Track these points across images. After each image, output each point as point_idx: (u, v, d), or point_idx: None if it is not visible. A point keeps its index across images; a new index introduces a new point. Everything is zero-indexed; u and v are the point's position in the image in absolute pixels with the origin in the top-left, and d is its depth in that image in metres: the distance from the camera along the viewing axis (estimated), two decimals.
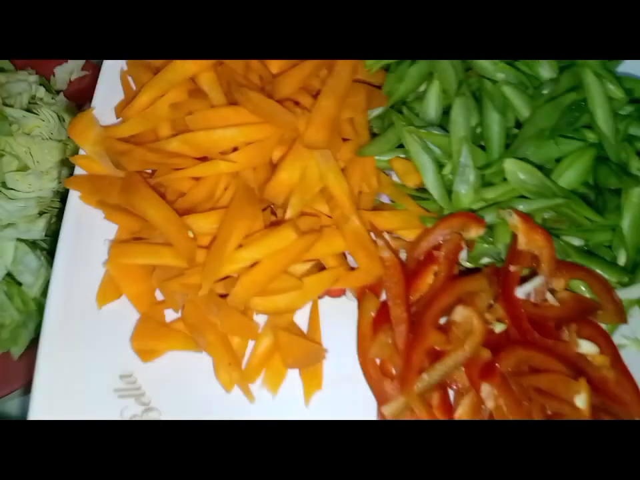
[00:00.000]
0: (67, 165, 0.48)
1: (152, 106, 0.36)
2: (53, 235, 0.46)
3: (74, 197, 0.36)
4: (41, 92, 0.51)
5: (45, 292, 0.46)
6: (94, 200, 0.36)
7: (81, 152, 0.37)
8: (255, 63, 0.38)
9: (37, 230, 0.46)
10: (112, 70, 0.40)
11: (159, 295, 0.35)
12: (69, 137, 0.49)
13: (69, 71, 0.55)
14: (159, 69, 0.37)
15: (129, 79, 0.39)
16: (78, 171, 0.37)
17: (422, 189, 0.37)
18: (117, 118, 0.39)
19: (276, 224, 0.34)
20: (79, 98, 0.53)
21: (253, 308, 0.34)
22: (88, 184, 0.36)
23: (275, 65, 0.38)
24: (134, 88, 0.39)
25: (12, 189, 0.45)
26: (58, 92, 0.53)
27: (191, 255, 0.33)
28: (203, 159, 0.35)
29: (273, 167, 0.36)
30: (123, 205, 0.35)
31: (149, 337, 0.34)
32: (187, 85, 0.37)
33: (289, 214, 0.34)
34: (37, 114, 0.49)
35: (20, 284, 0.46)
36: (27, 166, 0.46)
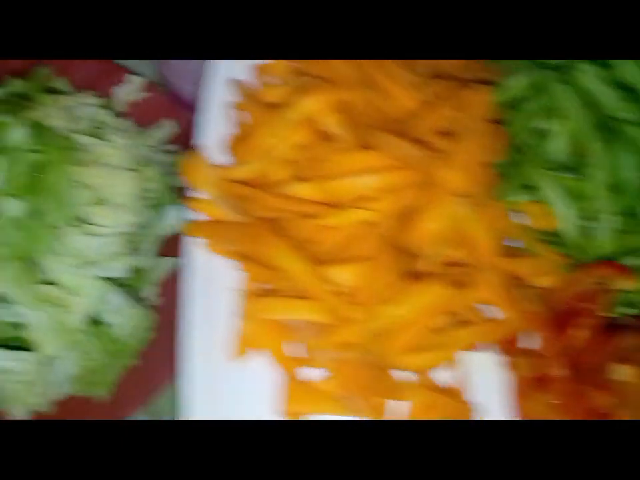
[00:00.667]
0: (143, 196, 0.45)
1: (271, 146, 0.34)
2: (135, 271, 0.44)
3: (196, 244, 0.34)
4: (106, 116, 0.48)
5: (130, 332, 0.43)
6: (219, 248, 0.33)
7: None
8: (377, 99, 0.36)
9: (120, 267, 0.43)
10: (214, 102, 0.37)
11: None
12: (139, 166, 0.46)
13: (128, 91, 0.51)
14: (273, 105, 0.35)
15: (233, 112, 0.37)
16: (189, 214, 0.34)
17: (552, 233, 0.36)
18: (226, 156, 0.36)
19: (415, 275, 0.33)
20: (142, 122, 0.50)
21: (398, 366, 0.32)
22: (211, 231, 0.34)
23: (401, 101, 0.36)
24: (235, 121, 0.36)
25: (89, 223, 0.42)
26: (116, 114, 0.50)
27: (336, 310, 0.31)
28: (331, 205, 0.33)
29: (411, 213, 0.34)
30: (251, 253, 0.32)
31: (300, 401, 0.32)
32: (309, 124, 0.35)
33: (431, 265, 0.33)
34: (106, 141, 0.45)
35: (103, 324, 0.43)
36: (101, 199, 0.43)
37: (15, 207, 0.40)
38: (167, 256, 0.46)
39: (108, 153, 0.45)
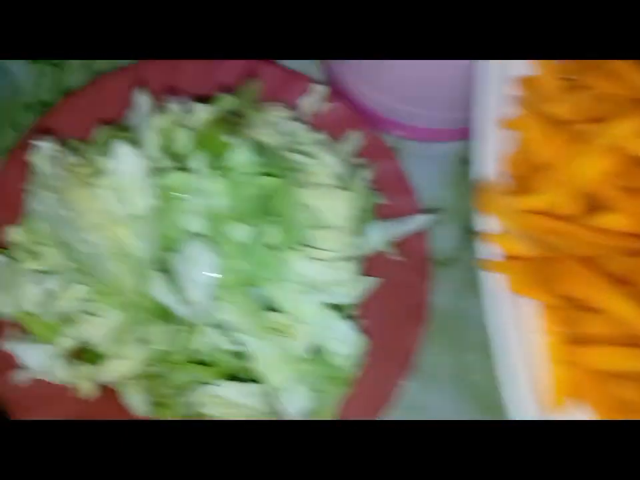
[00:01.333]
0: (355, 216, 0.43)
1: (571, 174, 0.31)
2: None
3: (500, 282, 0.31)
4: (305, 130, 0.45)
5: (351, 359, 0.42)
6: (522, 287, 0.31)
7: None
8: None
9: (344, 293, 0.41)
10: (488, 118, 0.34)
11: None
12: (347, 183, 0.44)
13: (313, 102, 0.49)
14: (560, 122, 0.31)
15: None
16: (487, 249, 0.31)
17: None
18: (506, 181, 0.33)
19: None
20: (331, 134, 0.48)
21: None
22: (514, 268, 0.31)
23: None
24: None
25: (312, 247, 0.40)
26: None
27: None
28: None
29: None
30: (562, 293, 0.30)
31: None
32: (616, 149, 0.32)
33: None
34: (315, 158, 0.43)
35: (325, 352, 0.41)
36: (321, 221, 0.41)
37: (241, 233, 0.38)
38: (367, 275, 0.44)
39: (319, 171, 0.42)
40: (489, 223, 0.30)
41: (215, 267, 0.37)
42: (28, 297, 0.41)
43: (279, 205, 0.39)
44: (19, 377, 0.43)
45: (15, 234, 0.45)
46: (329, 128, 0.48)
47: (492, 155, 0.32)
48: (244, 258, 0.39)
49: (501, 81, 0.33)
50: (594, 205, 0.31)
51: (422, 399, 0.46)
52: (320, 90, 0.49)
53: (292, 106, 0.48)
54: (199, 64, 0.49)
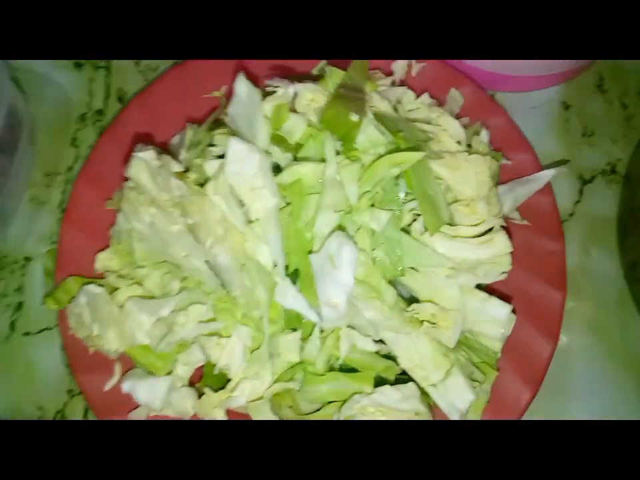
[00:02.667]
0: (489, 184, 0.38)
1: None
2: None
3: None
4: (410, 96, 0.41)
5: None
6: None
7: None
8: None
9: (492, 271, 0.36)
10: None
11: None
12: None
13: (405, 65, 0.44)
14: None
15: None
16: None
17: None
18: None
19: None
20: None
21: None
22: None
23: None
24: None
25: (455, 225, 0.36)
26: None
27: None
28: None
29: None
30: None
31: None
32: None
33: None
34: (434, 124, 0.38)
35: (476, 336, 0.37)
36: (455, 194, 0.37)
37: (378, 220, 0.34)
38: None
39: (443, 138, 0.38)
40: None
41: (354, 264, 0.33)
42: (139, 328, 0.37)
43: (417, 183, 0.34)
44: (138, 417, 0.39)
45: (106, 260, 0.41)
46: (428, 89, 0.43)
47: None
48: (382, 247, 0.35)
49: None
50: None
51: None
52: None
53: (387, 72, 0.43)
54: None
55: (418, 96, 0.42)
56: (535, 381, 0.39)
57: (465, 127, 0.42)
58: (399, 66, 0.43)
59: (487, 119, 0.43)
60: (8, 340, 0.45)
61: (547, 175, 0.41)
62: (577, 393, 0.43)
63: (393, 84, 0.42)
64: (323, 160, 0.34)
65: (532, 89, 0.48)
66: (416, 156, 0.33)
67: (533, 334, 0.40)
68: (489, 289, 0.38)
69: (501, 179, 0.42)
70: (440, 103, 0.43)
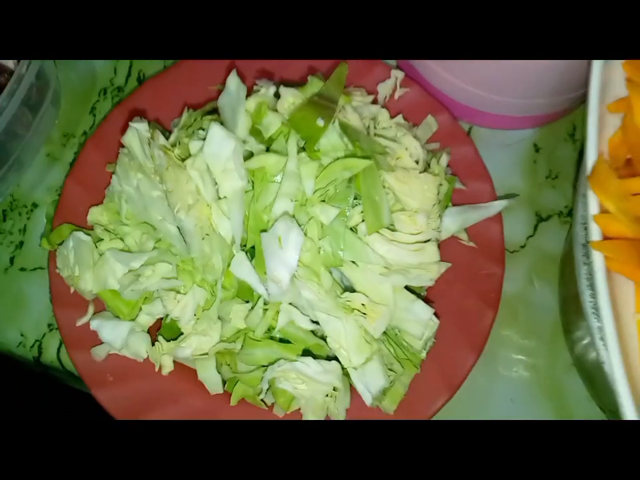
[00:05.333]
0: (437, 200, 0.43)
1: None
2: None
3: (598, 261, 0.31)
4: (385, 115, 0.46)
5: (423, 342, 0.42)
6: (620, 267, 0.31)
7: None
8: None
9: (423, 277, 0.41)
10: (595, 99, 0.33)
11: None
12: (427, 167, 0.44)
13: (390, 88, 0.49)
14: None
15: None
16: (593, 230, 0.31)
17: None
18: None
19: None
20: (408, 120, 0.48)
21: None
22: (617, 250, 0.31)
23: None
24: None
25: (395, 230, 0.41)
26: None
27: None
28: None
29: None
30: None
31: None
32: None
33: None
34: (397, 142, 0.43)
35: (400, 333, 0.41)
36: (404, 205, 0.41)
37: (327, 215, 0.39)
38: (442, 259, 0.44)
39: (402, 155, 0.43)
40: (590, 202, 0.30)
41: (300, 246, 0.38)
42: (112, 275, 0.42)
43: (365, 188, 0.39)
44: (99, 352, 0.44)
45: (97, 214, 0.46)
46: (406, 112, 0.48)
47: (599, 137, 0.31)
48: (328, 239, 0.39)
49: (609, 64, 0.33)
50: None
51: (486, 383, 0.46)
52: (398, 75, 0.49)
53: (371, 91, 0.48)
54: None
55: (394, 116, 0.47)
56: (453, 385, 0.43)
57: (432, 151, 0.47)
58: (384, 87, 0.48)
59: (454, 146, 0.47)
60: (6, 272, 0.51)
61: (499, 204, 0.46)
62: (497, 408, 0.46)
63: (374, 102, 0.47)
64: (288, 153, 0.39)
65: (507, 128, 0.53)
66: (365, 163, 0.38)
67: (460, 343, 0.44)
68: (426, 299, 0.43)
69: (457, 202, 0.46)
70: (414, 125, 0.48)
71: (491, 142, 0.52)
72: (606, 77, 0.33)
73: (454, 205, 0.46)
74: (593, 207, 0.30)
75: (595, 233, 0.30)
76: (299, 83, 0.44)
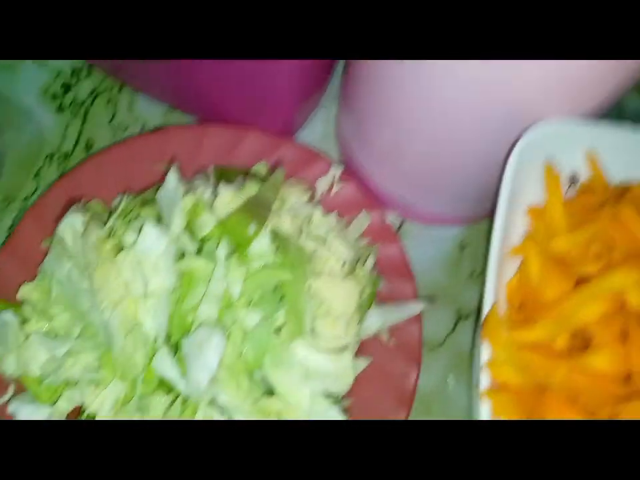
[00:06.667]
0: (360, 303, 0.45)
1: (569, 313, 0.33)
2: None
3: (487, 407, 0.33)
4: (319, 214, 0.48)
5: None
6: (505, 412, 0.33)
7: None
8: None
9: (343, 383, 0.43)
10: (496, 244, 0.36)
11: None
12: (355, 269, 0.46)
13: (329, 182, 0.51)
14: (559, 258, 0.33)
15: None
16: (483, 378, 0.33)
17: None
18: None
19: None
20: (342, 215, 0.50)
21: None
22: (498, 395, 0.33)
23: None
24: None
25: (316, 336, 0.42)
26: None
27: None
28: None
29: None
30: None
31: None
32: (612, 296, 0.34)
33: None
34: (327, 245, 0.45)
35: None
36: (327, 310, 0.43)
37: (251, 319, 0.41)
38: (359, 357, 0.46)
39: (329, 258, 0.45)
40: (484, 349, 0.33)
41: (221, 352, 0.40)
42: (35, 360, 0.43)
43: (289, 295, 0.41)
44: None
45: (28, 292, 0.47)
46: (339, 208, 0.50)
47: (498, 281, 0.34)
48: (250, 343, 0.41)
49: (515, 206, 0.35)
50: (587, 341, 0.33)
51: None
52: (335, 170, 0.51)
53: (309, 185, 0.50)
54: (223, 135, 0.51)
55: (329, 212, 0.49)
56: None
57: (362, 247, 0.49)
58: (322, 182, 0.51)
59: (383, 243, 0.50)
60: None
61: (419, 306, 0.48)
62: None
63: (312, 198, 0.49)
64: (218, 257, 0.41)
65: (437, 224, 0.56)
66: (290, 275, 0.40)
67: None
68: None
69: (379, 297, 0.48)
70: (348, 222, 0.50)
71: (420, 237, 0.55)
72: (509, 220, 0.36)
73: (379, 303, 0.48)
74: (485, 354, 0.33)
75: (485, 381, 0.32)
76: (243, 171, 0.46)
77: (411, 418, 0.47)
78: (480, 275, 0.55)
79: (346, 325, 0.43)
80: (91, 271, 0.40)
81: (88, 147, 0.57)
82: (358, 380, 0.45)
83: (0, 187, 0.55)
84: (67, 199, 0.50)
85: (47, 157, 0.56)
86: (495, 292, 0.34)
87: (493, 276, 0.34)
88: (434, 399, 0.50)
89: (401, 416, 0.46)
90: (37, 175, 0.56)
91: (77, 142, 0.57)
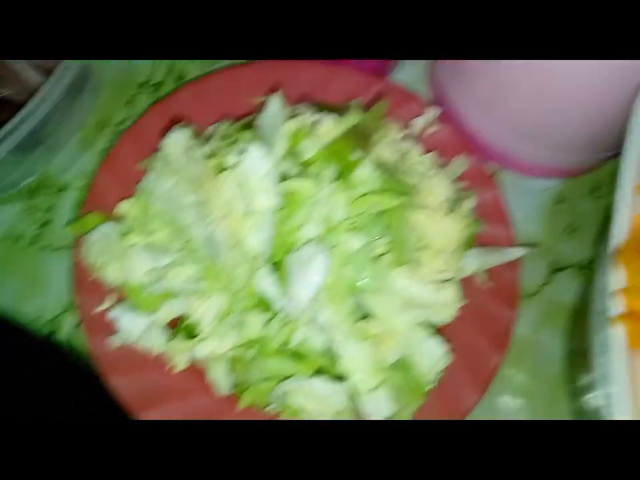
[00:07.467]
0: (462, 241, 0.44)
1: None
2: None
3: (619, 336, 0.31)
4: (418, 152, 0.47)
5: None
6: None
7: None
8: None
9: (440, 314, 0.42)
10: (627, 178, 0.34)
11: None
12: (454, 207, 0.45)
13: (425, 123, 0.50)
14: None
15: None
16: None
17: None
18: None
19: None
20: (441, 156, 0.49)
21: None
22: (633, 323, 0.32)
23: None
24: None
25: (418, 267, 0.42)
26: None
27: None
28: None
29: None
30: None
31: None
32: None
33: None
34: (427, 179, 0.44)
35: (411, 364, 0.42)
36: (428, 243, 0.42)
37: (354, 243, 0.40)
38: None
39: (430, 194, 0.44)
40: (616, 276, 0.31)
41: (325, 271, 0.39)
42: (137, 269, 0.43)
43: (392, 223, 0.40)
44: (114, 341, 0.45)
45: (126, 207, 0.47)
46: (437, 149, 0.49)
47: (628, 212, 0.32)
48: (352, 266, 0.40)
49: None
50: None
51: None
52: (432, 112, 0.50)
53: (405, 125, 0.49)
54: (317, 71, 0.51)
55: (427, 152, 0.48)
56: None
57: (459, 190, 0.48)
58: (418, 123, 0.49)
59: (480, 189, 0.48)
60: (27, 249, 0.52)
61: (517, 252, 0.47)
62: None
63: (408, 136, 0.48)
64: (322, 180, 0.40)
65: (534, 176, 0.54)
66: (396, 201, 0.39)
67: (466, 381, 0.45)
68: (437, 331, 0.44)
69: (477, 243, 0.47)
70: (444, 164, 0.49)
71: (517, 187, 0.53)
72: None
73: (478, 246, 0.47)
74: (620, 281, 0.31)
75: (619, 306, 0.31)
76: (337, 108, 0.45)
77: (502, 365, 0.45)
78: (576, 231, 0.53)
79: (445, 260, 0.42)
80: (197, 185, 0.40)
81: (179, 77, 0.57)
82: (455, 319, 0.44)
83: (95, 111, 0.55)
84: (163, 124, 0.50)
85: (139, 85, 0.56)
86: (627, 222, 0.32)
87: (627, 199, 0.32)
88: (526, 348, 0.49)
89: (495, 359, 0.45)
90: (129, 102, 0.56)
91: (168, 72, 0.57)
